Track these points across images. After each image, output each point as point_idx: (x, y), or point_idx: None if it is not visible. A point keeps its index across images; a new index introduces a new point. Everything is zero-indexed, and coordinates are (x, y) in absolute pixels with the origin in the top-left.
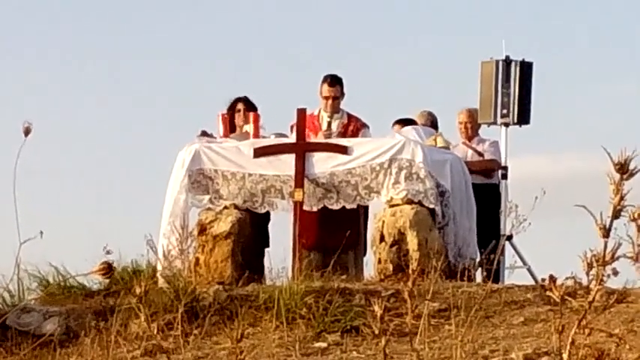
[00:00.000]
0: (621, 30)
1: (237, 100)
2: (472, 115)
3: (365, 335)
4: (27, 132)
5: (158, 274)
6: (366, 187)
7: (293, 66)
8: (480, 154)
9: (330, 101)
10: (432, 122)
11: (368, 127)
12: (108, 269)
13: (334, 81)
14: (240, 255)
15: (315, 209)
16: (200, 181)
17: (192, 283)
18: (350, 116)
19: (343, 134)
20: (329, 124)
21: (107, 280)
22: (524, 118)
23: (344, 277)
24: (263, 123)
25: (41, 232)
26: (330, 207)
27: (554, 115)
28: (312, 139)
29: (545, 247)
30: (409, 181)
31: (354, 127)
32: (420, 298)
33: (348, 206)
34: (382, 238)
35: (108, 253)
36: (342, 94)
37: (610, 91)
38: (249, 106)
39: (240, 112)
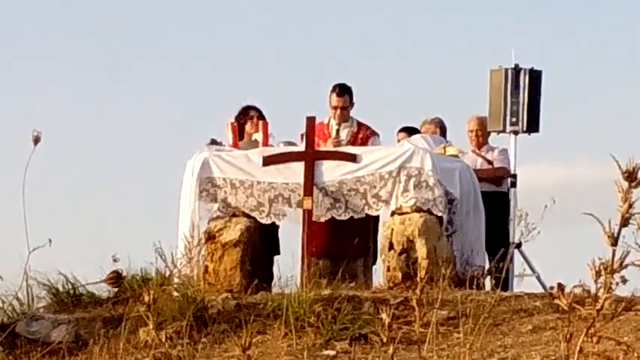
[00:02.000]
0: (630, 37)
1: (250, 107)
2: (482, 122)
3: (373, 343)
4: (36, 141)
5: (170, 283)
6: (374, 195)
7: (303, 74)
8: (490, 162)
9: (338, 111)
10: (441, 129)
11: (378, 135)
12: (117, 278)
13: (343, 90)
14: (249, 263)
15: (322, 220)
16: (209, 189)
17: (201, 291)
18: (360, 124)
19: (353, 142)
20: (338, 132)
21: (116, 289)
22: (533, 126)
23: (352, 284)
24: (272, 131)
25: (50, 240)
26: (337, 218)
27: (563, 123)
28: (321, 147)
29: (554, 255)
30: (418, 189)
31: (364, 135)
32: (428, 306)
33: (356, 216)
34: (391, 246)
35: (115, 261)
36: (352, 103)
37: (619, 98)
38: (260, 116)
39: (253, 118)
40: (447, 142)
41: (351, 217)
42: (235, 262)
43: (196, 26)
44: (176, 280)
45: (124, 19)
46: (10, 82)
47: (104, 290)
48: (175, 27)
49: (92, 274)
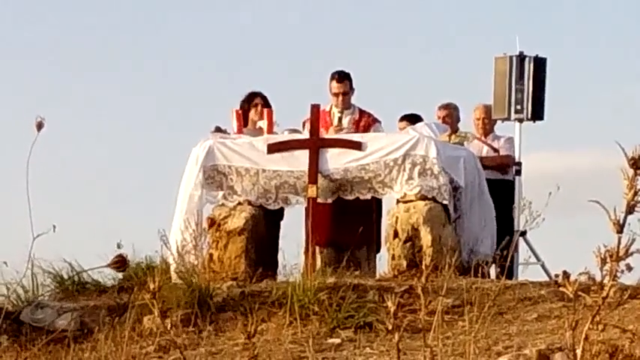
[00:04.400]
0: (635, 26)
1: (255, 94)
2: (488, 111)
3: (378, 331)
4: (39, 127)
5: (171, 270)
6: (379, 182)
7: (306, 61)
8: (496, 150)
9: (340, 97)
10: (457, 117)
11: (380, 123)
12: (122, 262)
13: (342, 77)
14: (254, 251)
15: (329, 200)
16: (214, 177)
17: (206, 279)
18: (361, 112)
19: (355, 130)
20: (340, 119)
21: (121, 273)
22: (538, 114)
23: (357, 273)
24: (277, 119)
25: (54, 226)
26: (344, 197)
27: (568, 111)
28: (323, 134)
29: (558, 243)
30: (423, 177)
31: (366, 122)
32: (433, 294)
33: (362, 197)
34: (396, 234)
35: (119, 248)
36: (352, 89)
37: (624, 87)
38: (265, 103)
39: (257, 106)
40: (457, 129)
41: (355, 204)
42: (240, 250)
43: (203, 14)
44: (172, 265)
45: (134, 16)
46: (17, 74)
47: (109, 278)
48: (181, 14)
49: (97, 262)
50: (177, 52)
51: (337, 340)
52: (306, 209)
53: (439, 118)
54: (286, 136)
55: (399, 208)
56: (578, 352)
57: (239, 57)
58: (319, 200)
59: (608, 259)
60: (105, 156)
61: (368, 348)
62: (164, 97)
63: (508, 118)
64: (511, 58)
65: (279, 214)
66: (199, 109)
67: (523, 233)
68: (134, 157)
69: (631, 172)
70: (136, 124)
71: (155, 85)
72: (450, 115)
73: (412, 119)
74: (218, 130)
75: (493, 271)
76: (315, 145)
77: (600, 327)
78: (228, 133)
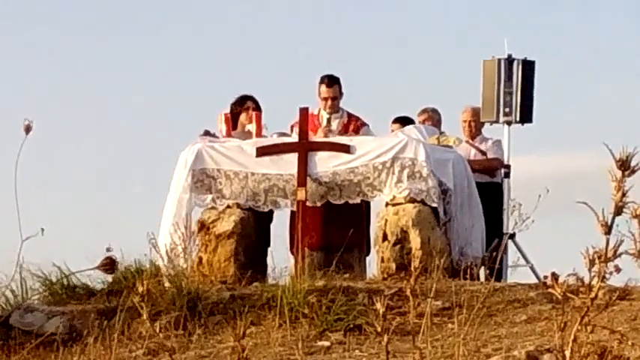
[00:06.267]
0: (623, 28)
1: (247, 97)
2: (477, 113)
3: (368, 334)
4: (28, 130)
5: (163, 274)
6: (368, 185)
7: (295, 64)
8: (483, 152)
9: (329, 102)
10: (438, 120)
11: (368, 126)
12: (111, 264)
13: (332, 81)
14: (243, 254)
15: (318, 204)
16: (203, 180)
17: (195, 283)
18: (350, 115)
19: (344, 133)
20: (329, 121)
21: (110, 276)
22: (526, 116)
23: (346, 275)
24: (265, 122)
25: (42, 229)
26: (333, 202)
27: (556, 113)
28: (312, 137)
29: (547, 246)
30: (412, 180)
31: (355, 126)
32: (422, 296)
33: (351, 201)
34: (385, 237)
35: (108, 251)
36: (341, 93)
37: (612, 89)
38: (257, 107)
39: (248, 109)
40: (442, 132)
41: (345, 207)
42: (229, 254)
43: (192, 19)
44: (162, 268)
45: (127, 19)
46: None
47: (98, 282)
48: (170, 19)
49: (86, 265)
50: (167, 55)
51: (327, 343)
52: (293, 213)
53: (420, 123)
54: (275, 140)
55: (388, 210)
56: (567, 353)
57: (228, 60)
58: (308, 203)
59: (596, 261)
60: (95, 158)
61: (357, 350)
62: (154, 99)
63: (497, 121)
64: (499, 61)
65: (268, 217)
66: (188, 112)
67: (512, 236)
68: (124, 160)
69: (619, 173)
70: (128, 126)
71: (145, 88)
72: (430, 118)
73: (405, 122)
74: (207, 133)
75: (482, 273)
76: (304, 148)
77: (589, 328)
78: (217, 137)
